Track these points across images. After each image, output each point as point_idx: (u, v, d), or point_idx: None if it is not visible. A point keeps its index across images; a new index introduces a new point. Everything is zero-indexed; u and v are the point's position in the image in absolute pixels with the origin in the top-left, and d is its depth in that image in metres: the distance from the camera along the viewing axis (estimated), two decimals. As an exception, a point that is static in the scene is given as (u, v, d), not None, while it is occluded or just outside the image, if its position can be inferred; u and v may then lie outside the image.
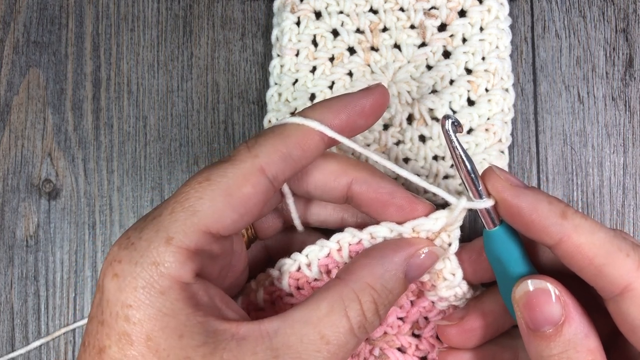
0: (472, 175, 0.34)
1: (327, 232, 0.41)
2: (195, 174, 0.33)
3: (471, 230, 0.37)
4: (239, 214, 0.32)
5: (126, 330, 0.29)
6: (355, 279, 0.33)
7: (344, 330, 0.32)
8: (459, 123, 0.34)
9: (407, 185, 0.44)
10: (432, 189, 0.35)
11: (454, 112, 0.45)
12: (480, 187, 0.34)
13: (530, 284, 0.33)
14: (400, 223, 0.36)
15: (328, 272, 0.37)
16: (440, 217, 0.36)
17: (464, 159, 0.34)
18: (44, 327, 0.46)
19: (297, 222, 0.40)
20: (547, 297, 0.32)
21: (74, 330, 0.46)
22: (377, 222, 0.37)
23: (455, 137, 0.34)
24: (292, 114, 0.36)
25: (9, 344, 0.46)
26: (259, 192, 0.33)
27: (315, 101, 0.45)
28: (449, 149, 0.34)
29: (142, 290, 0.30)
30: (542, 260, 0.37)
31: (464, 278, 0.38)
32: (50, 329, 0.46)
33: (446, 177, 0.45)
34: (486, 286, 0.40)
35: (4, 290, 0.47)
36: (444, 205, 0.39)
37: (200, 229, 0.31)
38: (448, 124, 0.34)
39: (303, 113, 0.35)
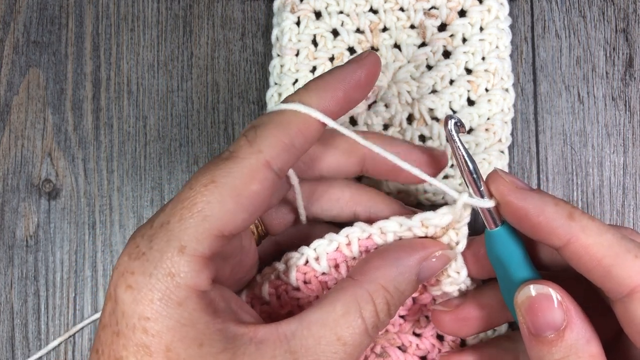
0: (475, 176, 0.34)
1: (335, 225, 0.41)
2: (197, 175, 0.32)
3: (470, 228, 0.37)
4: (249, 212, 0.31)
5: (144, 342, 0.29)
6: (369, 280, 0.33)
7: (360, 330, 0.32)
8: (461, 123, 0.34)
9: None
10: (435, 182, 0.35)
11: (454, 112, 0.45)
12: (482, 188, 0.34)
13: (533, 289, 0.33)
14: (408, 216, 0.36)
15: (336, 266, 0.37)
16: (447, 213, 0.36)
17: (467, 159, 0.34)
18: (43, 327, 0.46)
19: (302, 212, 0.40)
20: (549, 302, 0.32)
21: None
22: (387, 218, 0.37)
23: (458, 137, 0.34)
24: (284, 98, 0.35)
25: (9, 344, 0.46)
26: (267, 188, 0.32)
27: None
28: (452, 148, 0.34)
29: (159, 302, 0.29)
30: (542, 259, 0.37)
31: (468, 275, 0.38)
32: (50, 328, 0.46)
33: (446, 177, 0.45)
34: (486, 281, 0.40)
35: (4, 290, 0.47)
36: (444, 204, 0.38)
37: (213, 234, 0.30)
38: (451, 124, 0.34)
39: (300, 97, 0.34)
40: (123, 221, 0.47)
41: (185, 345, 0.29)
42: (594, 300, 0.35)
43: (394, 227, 0.36)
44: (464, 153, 0.34)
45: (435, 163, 0.38)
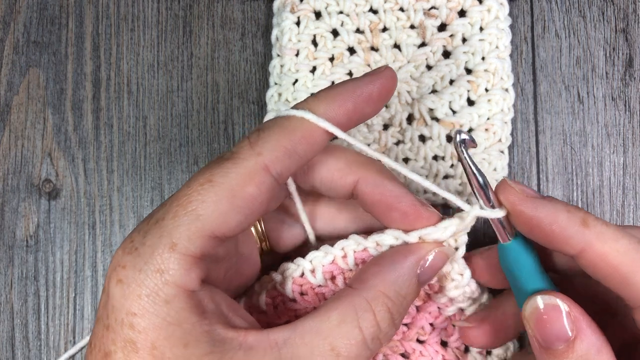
0: (485, 189, 0.33)
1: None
2: (196, 174, 0.32)
3: (469, 234, 0.36)
4: (244, 215, 0.31)
5: (131, 337, 0.29)
6: (367, 287, 0.32)
7: (356, 342, 0.31)
8: (472, 138, 0.33)
9: (408, 184, 0.44)
10: (445, 194, 0.35)
11: (454, 112, 0.45)
12: (493, 200, 0.34)
13: (540, 301, 0.32)
14: (406, 231, 0.35)
15: (332, 278, 0.37)
16: (449, 226, 0.35)
17: (476, 173, 0.33)
18: (43, 327, 0.46)
19: (309, 230, 0.39)
20: (557, 313, 0.32)
21: (74, 330, 0.46)
22: (383, 228, 0.37)
23: (467, 153, 0.33)
24: (295, 106, 0.34)
25: (9, 344, 0.46)
26: (264, 192, 0.31)
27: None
28: (461, 163, 0.34)
29: (147, 299, 0.29)
30: (557, 264, 0.36)
31: (484, 284, 0.38)
32: (50, 328, 0.46)
33: (446, 177, 0.45)
34: (495, 292, 0.40)
35: (4, 290, 0.47)
36: (443, 205, 0.38)
37: (205, 234, 0.30)
38: (459, 137, 0.33)
39: (308, 104, 0.34)
40: (123, 221, 0.47)
41: (170, 344, 0.29)
42: (607, 307, 0.35)
43: (390, 241, 0.35)
44: (474, 169, 0.33)
45: (422, 219, 0.35)
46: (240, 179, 0.31)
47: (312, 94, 0.35)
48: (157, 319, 0.29)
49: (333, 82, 0.45)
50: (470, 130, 0.45)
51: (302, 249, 0.41)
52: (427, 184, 0.35)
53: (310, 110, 0.33)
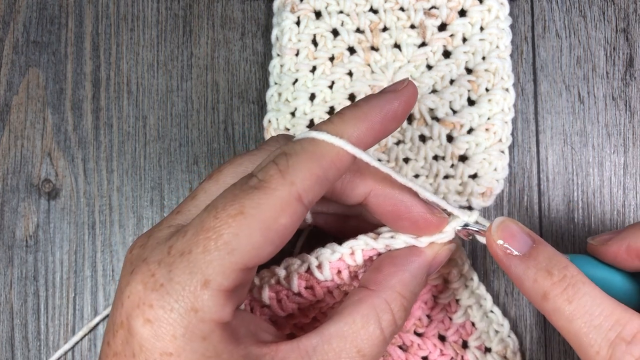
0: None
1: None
2: (222, 202, 0.30)
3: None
4: (275, 245, 0.30)
5: None
6: (385, 289, 0.34)
7: (378, 341, 0.33)
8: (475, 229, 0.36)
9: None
10: (449, 207, 0.36)
11: (454, 111, 0.45)
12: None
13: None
14: (416, 236, 0.37)
15: (338, 272, 0.37)
16: (455, 228, 0.37)
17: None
18: (43, 327, 0.46)
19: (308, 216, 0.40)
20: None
21: (73, 330, 0.46)
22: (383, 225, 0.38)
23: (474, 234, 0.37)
24: (316, 125, 0.34)
25: (9, 344, 0.46)
26: (295, 221, 0.31)
27: (315, 101, 0.45)
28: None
29: (182, 338, 0.29)
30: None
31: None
32: (50, 328, 0.46)
33: (446, 177, 0.45)
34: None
35: (3, 290, 0.46)
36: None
37: (238, 267, 0.29)
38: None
39: (334, 125, 0.33)
40: (123, 221, 0.47)
41: None
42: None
43: (400, 246, 0.36)
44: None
45: (432, 226, 0.36)
46: (273, 211, 0.30)
47: (336, 113, 0.33)
48: (195, 355, 0.29)
49: (333, 82, 0.45)
50: (470, 130, 0.45)
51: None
52: (435, 199, 0.36)
53: (337, 133, 0.32)
